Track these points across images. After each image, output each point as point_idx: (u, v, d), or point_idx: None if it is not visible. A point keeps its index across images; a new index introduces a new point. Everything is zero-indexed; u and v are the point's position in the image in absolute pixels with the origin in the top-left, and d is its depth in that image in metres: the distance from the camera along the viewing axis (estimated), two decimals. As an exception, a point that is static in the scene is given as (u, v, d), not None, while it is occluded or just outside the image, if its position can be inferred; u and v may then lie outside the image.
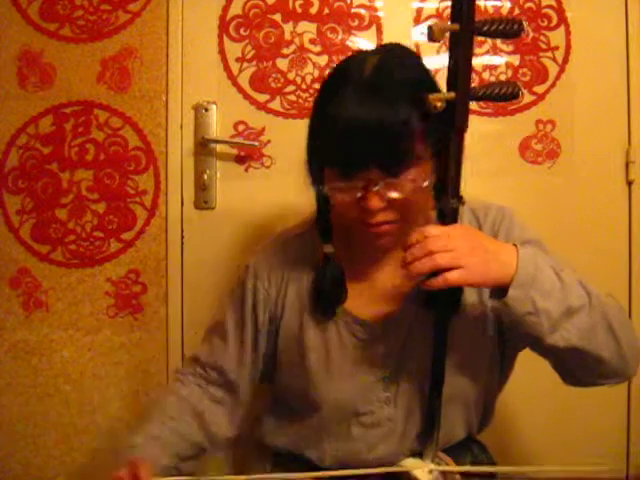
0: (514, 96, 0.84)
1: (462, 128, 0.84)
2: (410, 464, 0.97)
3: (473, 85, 0.83)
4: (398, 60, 0.91)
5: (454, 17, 0.81)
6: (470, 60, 0.82)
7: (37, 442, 1.51)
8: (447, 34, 0.81)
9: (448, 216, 0.87)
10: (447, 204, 0.86)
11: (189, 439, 1.03)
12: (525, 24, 0.84)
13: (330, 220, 1.01)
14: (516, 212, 1.03)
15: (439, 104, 0.81)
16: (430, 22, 1.43)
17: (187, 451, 1.03)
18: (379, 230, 0.92)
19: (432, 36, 0.79)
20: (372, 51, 0.95)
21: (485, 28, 0.81)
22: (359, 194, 0.89)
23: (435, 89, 0.87)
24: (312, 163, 0.96)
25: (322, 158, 0.93)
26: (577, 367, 0.90)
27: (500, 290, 0.84)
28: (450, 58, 0.83)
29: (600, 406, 1.47)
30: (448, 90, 0.83)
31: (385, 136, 0.85)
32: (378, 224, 0.91)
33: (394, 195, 0.88)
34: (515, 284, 0.82)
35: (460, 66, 0.81)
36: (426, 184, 0.89)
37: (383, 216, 0.90)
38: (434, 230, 0.83)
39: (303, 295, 1.03)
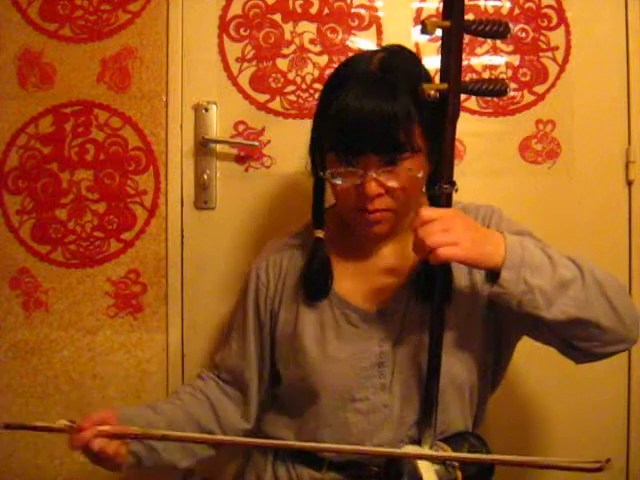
0: (501, 93, 0.92)
1: (454, 117, 0.91)
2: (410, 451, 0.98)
3: (464, 80, 0.91)
4: (400, 57, 1.00)
5: (446, 15, 0.90)
6: (460, 54, 0.90)
7: (37, 442, 1.51)
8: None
9: (442, 201, 0.92)
10: (441, 189, 0.92)
11: (196, 419, 1.08)
12: (511, 27, 0.92)
13: (323, 208, 1.08)
14: (504, 210, 1.08)
15: (432, 92, 0.89)
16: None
17: (194, 431, 1.07)
18: (375, 217, 0.97)
19: (425, 30, 0.89)
20: (377, 50, 1.04)
21: (473, 27, 0.90)
22: (358, 181, 0.95)
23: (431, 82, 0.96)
24: (315, 150, 1.03)
25: (324, 144, 0.99)
26: (580, 339, 0.92)
27: (493, 275, 0.89)
28: (442, 52, 0.91)
29: (600, 406, 1.47)
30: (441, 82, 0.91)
31: (384, 124, 0.91)
32: (375, 211, 0.96)
33: (391, 183, 0.94)
34: (506, 266, 0.86)
35: (452, 59, 0.90)
36: (421, 175, 0.96)
37: (380, 203, 0.96)
38: (432, 212, 0.88)
39: (298, 285, 1.08)
